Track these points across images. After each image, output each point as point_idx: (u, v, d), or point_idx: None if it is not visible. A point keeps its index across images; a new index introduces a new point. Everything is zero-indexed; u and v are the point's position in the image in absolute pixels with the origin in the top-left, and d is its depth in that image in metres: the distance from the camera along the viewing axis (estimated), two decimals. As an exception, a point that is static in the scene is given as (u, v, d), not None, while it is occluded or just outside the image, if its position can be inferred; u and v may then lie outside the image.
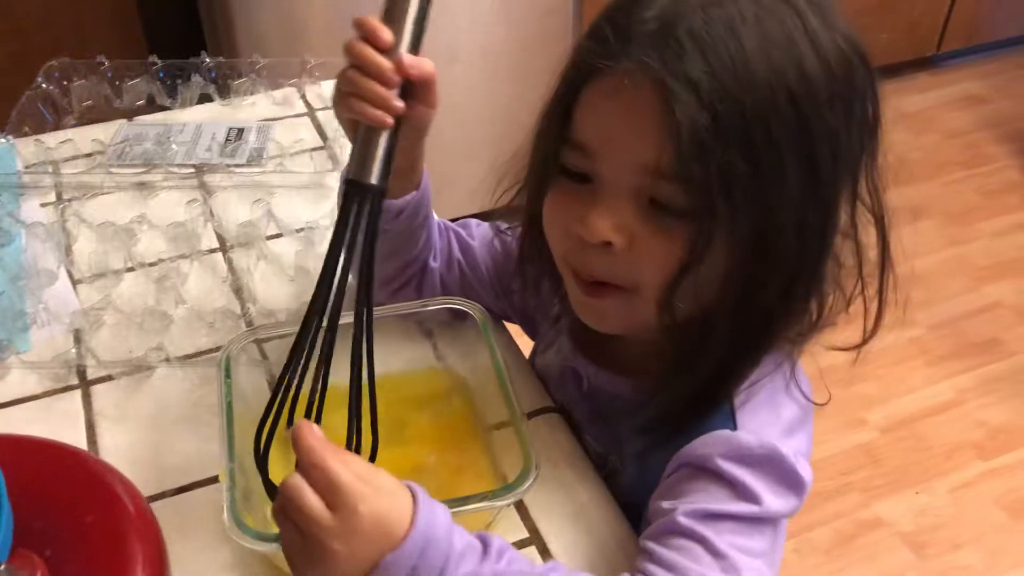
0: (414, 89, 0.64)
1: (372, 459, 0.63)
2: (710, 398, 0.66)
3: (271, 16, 1.79)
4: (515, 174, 0.74)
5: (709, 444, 0.64)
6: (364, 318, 0.62)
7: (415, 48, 0.64)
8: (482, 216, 0.90)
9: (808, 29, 0.59)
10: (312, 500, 0.54)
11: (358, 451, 0.61)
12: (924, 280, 2.09)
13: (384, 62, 0.62)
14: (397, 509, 0.55)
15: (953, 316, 2.09)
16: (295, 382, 0.60)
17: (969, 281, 2.19)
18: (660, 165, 0.59)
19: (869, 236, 0.66)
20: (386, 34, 0.62)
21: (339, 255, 0.60)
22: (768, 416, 0.65)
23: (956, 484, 1.76)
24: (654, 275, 0.63)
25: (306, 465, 0.54)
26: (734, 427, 0.65)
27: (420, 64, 0.63)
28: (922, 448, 1.83)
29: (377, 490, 0.55)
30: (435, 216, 0.84)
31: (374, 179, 0.62)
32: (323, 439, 0.56)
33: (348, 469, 0.54)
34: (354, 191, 0.61)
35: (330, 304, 0.60)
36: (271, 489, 0.60)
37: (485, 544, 0.57)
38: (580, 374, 0.78)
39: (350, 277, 0.62)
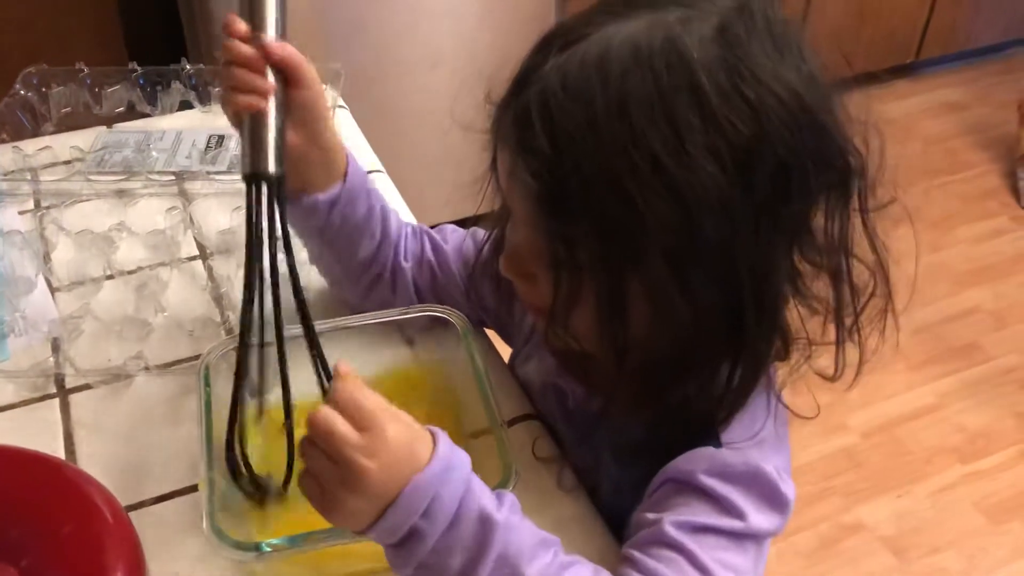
0: (287, 74, 0.67)
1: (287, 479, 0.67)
2: (691, 430, 0.65)
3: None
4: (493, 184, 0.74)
5: (692, 460, 0.64)
6: (302, 314, 0.65)
7: (281, 34, 0.67)
8: (464, 222, 0.90)
9: (695, 83, 0.55)
10: (342, 423, 0.55)
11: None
12: (904, 285, 2.10)
13: (242, 48, 0.65)
14: (420, 438, 0.57)
15: (933, 321, 2.11)
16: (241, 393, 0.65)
17: (949, 286, 2.21)
18: (525, 218, 0.63)
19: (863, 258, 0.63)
20: (239, 23, 0.66)
21: (255, 252, 0.63)
22: (751, 434, 0.65)
23: (936, 488, 1.77)
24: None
25: (334, 398, 0.56)
26: (717, 444, 0.65)
27: (282, 47, 0.67)
28: (903, 452, 1.84)
29: (400, 418, 0.57)
30: (396, 213, 0.84)
31: (269, 167, 0.64)
32: (354, 379, 0.57)
33: (375, 399, 0.57)
34: (252, 183, 0.64)
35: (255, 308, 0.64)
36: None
37: (500, 496, 0.59)
38: (565, 391, 0.77)
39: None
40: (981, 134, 2.66)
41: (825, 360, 0.65)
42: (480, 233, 0.85)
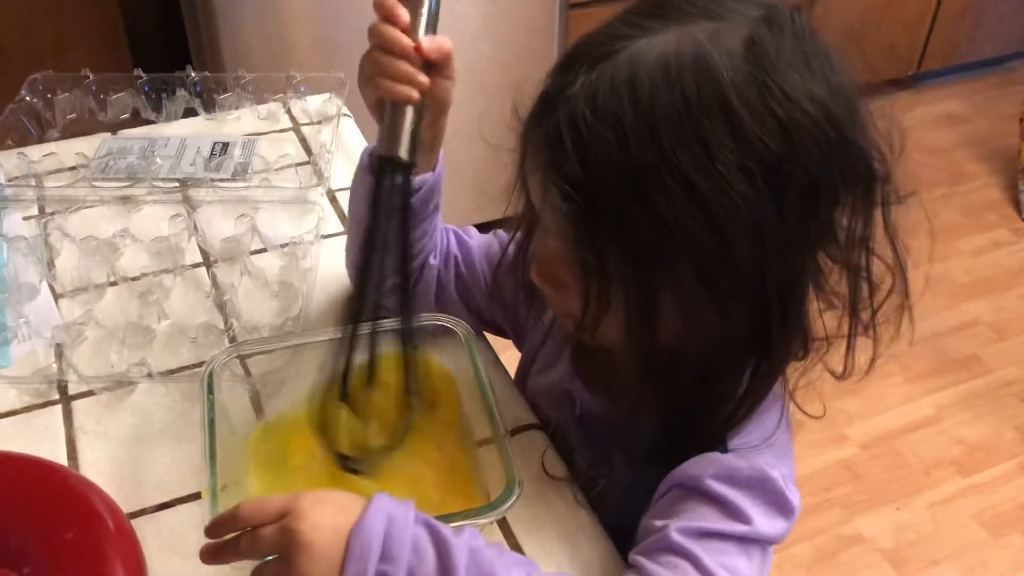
0: (437, 67, 0.69)
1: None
2: (705, 436, 0.66)
3: (256, 31, 1.79)
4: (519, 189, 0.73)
5: (699, 465, 0.64)
6: (406, 290, 0.69)
7: (432, 27, 0.68)
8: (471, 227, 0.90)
9: (725, 102, 0.54)
10: (264, 530, 0.57)
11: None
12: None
13: (406, 40, 0.67)
14: (349, 497, 0.59)
15: (933, 333, 2.11)
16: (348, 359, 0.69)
17: (949, 299, 2.21)
18: (556, 231, 0.63)
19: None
20: (404, 13, 0.67)
21: (378, 230, 0.68)
22: (759, 440, 0.66)
23: (935, 500, 1.77)
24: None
25: (240, 515, 0.58)
26: (724, 449, 0.65)
27: (440, 43, 0.68)
28: (902, 464, 1.84)
29: (318, 491, 0.59)
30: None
31: (403, 153, 0.68)
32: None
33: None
34: (386, 166, 0.67)
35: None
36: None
37: (459, 530, 0.59)
38: (574, 396, 0.78)
39: None
40: (982, 146, 2.67)
41: (835, 360, 0.65)
42: (504, 235, 0.86)
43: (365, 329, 0.71)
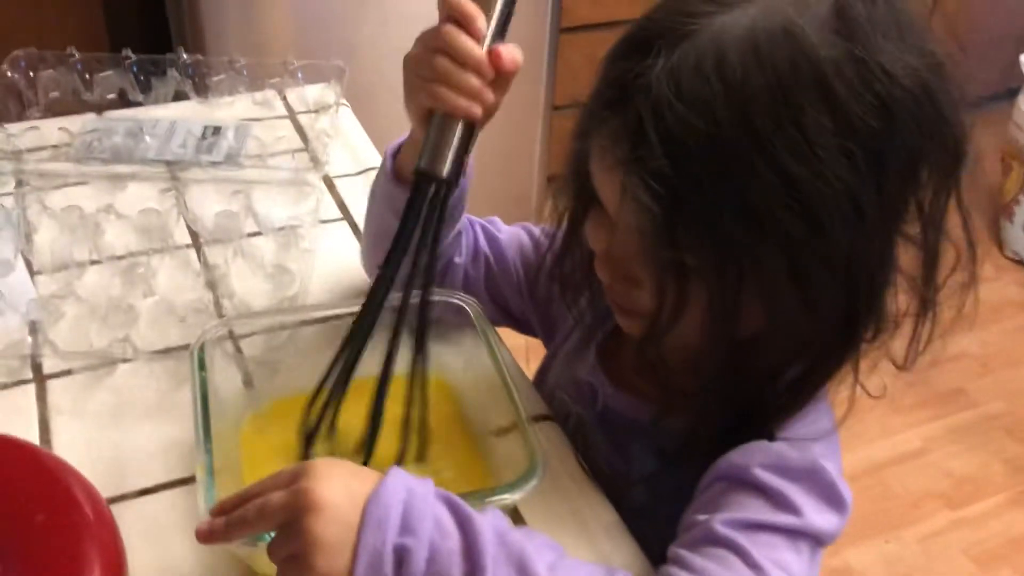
0: (501, 81, 0.61)
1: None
2: (748, 430, 0.61)
3: (240, 18, 1.73)
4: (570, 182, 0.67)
5: (747, 454, 0.59)
6: (425, 313, 0.62)
7: (502, 34, 0.61)
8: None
9: (823, 82, 0.51)
10: (274, 495, 0.51)
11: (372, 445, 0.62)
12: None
13: (479, 52, 0.60)
14: (362, 467, 0.53)
15: (920, 365, 2.08)
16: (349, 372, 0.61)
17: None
18: (634, 227, 0.57)
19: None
20: (482, 22, 0.59)
21: (406, 247, 0.60)
22: (806, 431, 0.61)
23: (925, 534, 1.74)
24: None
25: (246, 492, 0.53)
26: (771, 438, 0.60)
27: (515, 54, 0.61)
28: (889, 496, 1.81)
29: (331, 458, 0.53)
30: None
31: (445, 172, 0.61)
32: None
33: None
34: (424, 182, 0.61)
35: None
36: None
37: (483, 510, 0.53)
38: (596, 389, 0.73)
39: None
40: (966, 183, 2.68)
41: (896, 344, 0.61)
42: (533, 228, 0.82)
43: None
